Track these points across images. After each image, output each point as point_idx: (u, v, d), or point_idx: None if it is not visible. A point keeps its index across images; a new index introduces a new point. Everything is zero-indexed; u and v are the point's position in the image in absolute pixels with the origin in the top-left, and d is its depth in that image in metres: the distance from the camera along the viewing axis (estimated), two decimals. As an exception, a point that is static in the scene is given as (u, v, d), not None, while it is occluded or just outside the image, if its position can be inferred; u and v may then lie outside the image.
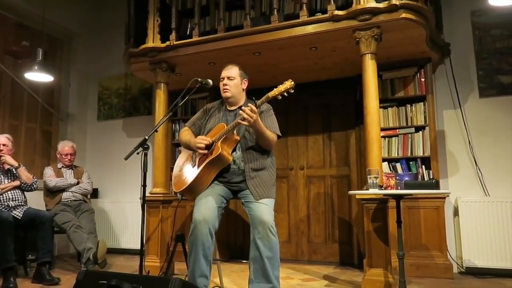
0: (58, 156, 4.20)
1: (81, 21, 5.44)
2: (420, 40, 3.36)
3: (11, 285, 3.03)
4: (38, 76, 4.24)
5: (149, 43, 3.81)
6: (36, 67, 4.11)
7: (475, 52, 3.89)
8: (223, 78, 2.64)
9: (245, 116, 2.30)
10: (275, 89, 2.39)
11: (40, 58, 4.13)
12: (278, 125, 2.63)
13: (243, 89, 2.69)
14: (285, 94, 2.39)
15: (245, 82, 2.69)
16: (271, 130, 2.53)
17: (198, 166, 2.53)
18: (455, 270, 3.62)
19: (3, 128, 4.45)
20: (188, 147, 2.67)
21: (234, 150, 2.54)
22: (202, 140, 2.52)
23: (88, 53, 5.52)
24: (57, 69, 5.15)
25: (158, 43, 3.79)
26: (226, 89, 2.62)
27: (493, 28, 3.85)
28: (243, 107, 2.36)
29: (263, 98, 2.41)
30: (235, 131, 2.52)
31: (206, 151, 2.53)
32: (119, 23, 4.84)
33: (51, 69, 4.36)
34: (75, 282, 1.76)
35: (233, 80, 2.62)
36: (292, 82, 2.37)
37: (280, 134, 2.60)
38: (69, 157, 4.14)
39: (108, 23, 5.49)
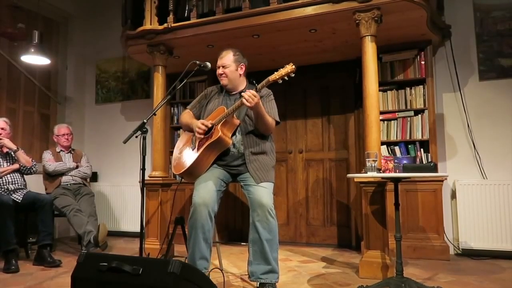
0: (55, 139, 4.18)
1: (77, 2, 5.35)
2: (420, 22, 3.32)
3: (13, 267, 3.07)
4: (34, 59, 4.19)
5: (147, 25, 3.75)
6: (32, 50, 4.06)
7: (476, 34, 3.86)
8: (219, 67, 2.64)
9: (246, 102, 2.29)
10: (275, 72, 2.34)
11: (36, 40, 4.08)
12: (277, 111, 2.62)
13: (241, 74, 2.66)
14: (286, 78, 2.33)
15: (242, 67, 2.65)
16: (270, 115, 2.52)
17: (198, 149, 2.53)
18: (451, 251, 3.67)
19: (1, 111, 4.42)
20: (189, 128, 2.69)
21: (234, 133, 2.54)
22: (202, 125, 2.52)
23: (85, 35, 5.45)
24: (54, 51, 5.09)
25: (156, 25, 3.73)
26: (222, 77, 2.63)
27: (494, 9, 3.80)
28: (243, 93, 2.33)
29: (263, 82, 2.37)
30: (235, 115, 2.52)
31: (203, 135, 2.53)
32: (116, 4, 4.76)
33: (48, 52, 4.31)
34: (76, 264, 1.77)
35: (228, 68, 2.61)
36: (293, 66, 2.31)
37: (279, 120, 2.60)
38: (66, 136, 4.12)
39: (104, 4, 5.40)
